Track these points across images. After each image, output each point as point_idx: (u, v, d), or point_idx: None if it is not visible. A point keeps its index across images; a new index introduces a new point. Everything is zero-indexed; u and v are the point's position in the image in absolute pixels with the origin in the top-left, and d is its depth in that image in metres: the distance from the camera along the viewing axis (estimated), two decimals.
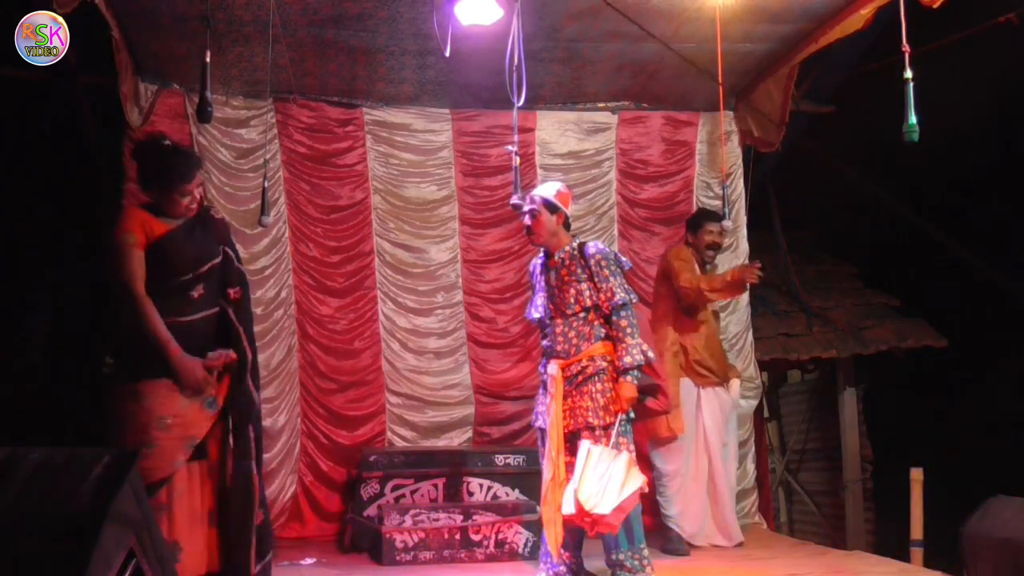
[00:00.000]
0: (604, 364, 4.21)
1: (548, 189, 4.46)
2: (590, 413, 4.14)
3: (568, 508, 3.97)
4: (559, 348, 4.28)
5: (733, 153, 6.61)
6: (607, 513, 3.89)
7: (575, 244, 4.38)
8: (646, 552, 4.20)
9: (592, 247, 4.33)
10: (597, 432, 4.12)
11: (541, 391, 4.37)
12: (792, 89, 6.21)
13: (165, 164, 3.67)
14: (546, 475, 4.21)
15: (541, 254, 4.51)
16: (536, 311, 4.41)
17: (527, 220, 4.39)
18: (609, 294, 4.22)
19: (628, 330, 4.19)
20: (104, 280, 3.62)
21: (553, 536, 4.13)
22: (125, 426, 3.47)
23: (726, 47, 5.27)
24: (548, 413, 4.24)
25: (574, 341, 4.25)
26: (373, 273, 6.32)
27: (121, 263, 3.51)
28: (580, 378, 4.20)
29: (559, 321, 4.30)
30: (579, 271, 4.29)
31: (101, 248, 3.62)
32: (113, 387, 3.56)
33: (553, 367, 4.26)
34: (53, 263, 6.61)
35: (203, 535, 3.56)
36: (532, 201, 4.40)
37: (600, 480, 3.93)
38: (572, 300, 4.26)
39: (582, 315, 4.26)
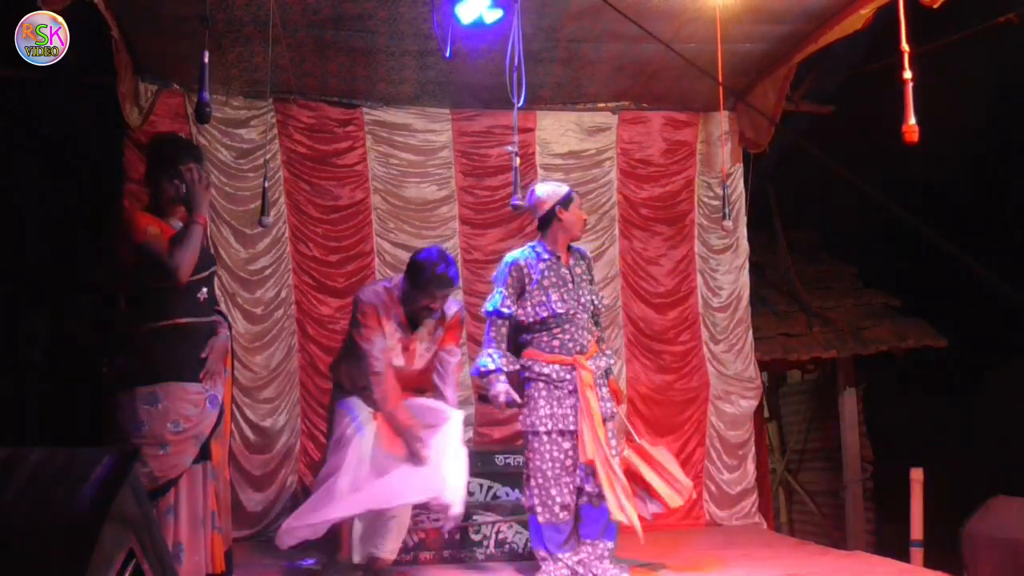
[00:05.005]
0: (606, 360, 4.46)
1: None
2: (608, 403, 4.35)
3: (676, 501, 4.38)
4: (584, 342, 4.34)
5: (733, 153, 6.62)
6: (691, 484, 4.54)
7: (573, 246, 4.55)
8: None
9: (585, 250, 4.61)
10: (608, 423, 4.28)
11: (554, 391, 4.28)
12: (787, 90, 6.21)
13: (183, 146, 3.82)
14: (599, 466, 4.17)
15: (530, 251, 4.42)
16: (559, 306, 4.28)
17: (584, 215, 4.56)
18: (600, 296, 4.49)
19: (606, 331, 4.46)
20: (117, 281, 3.63)
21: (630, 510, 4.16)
22: (140, 428, 3.48)
23: (726, 47, 5.27)
24: (584, 409, 4.18)
25: (588, 337, 4.37)
26: (373, 273, 6.31)
27: (160, 253, 3.51)
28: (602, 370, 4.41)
29: (583, 317, 4.36)
30: (587, 271, 4.48)
31: (125, 251, 3.57)
32: (125, 389, 3.54)
33: (588, 363, 4.28)
34: (53, 262, 6.61)
35: (205, 537, 3.58)
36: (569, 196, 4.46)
37: (667, 471, 4.41)
38: (587, 298, 4.40)
39: (590, 313, 4.43)
